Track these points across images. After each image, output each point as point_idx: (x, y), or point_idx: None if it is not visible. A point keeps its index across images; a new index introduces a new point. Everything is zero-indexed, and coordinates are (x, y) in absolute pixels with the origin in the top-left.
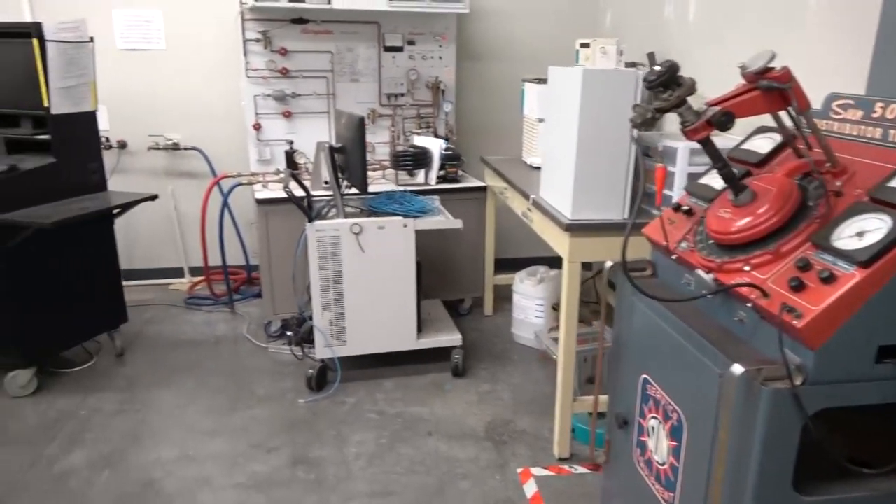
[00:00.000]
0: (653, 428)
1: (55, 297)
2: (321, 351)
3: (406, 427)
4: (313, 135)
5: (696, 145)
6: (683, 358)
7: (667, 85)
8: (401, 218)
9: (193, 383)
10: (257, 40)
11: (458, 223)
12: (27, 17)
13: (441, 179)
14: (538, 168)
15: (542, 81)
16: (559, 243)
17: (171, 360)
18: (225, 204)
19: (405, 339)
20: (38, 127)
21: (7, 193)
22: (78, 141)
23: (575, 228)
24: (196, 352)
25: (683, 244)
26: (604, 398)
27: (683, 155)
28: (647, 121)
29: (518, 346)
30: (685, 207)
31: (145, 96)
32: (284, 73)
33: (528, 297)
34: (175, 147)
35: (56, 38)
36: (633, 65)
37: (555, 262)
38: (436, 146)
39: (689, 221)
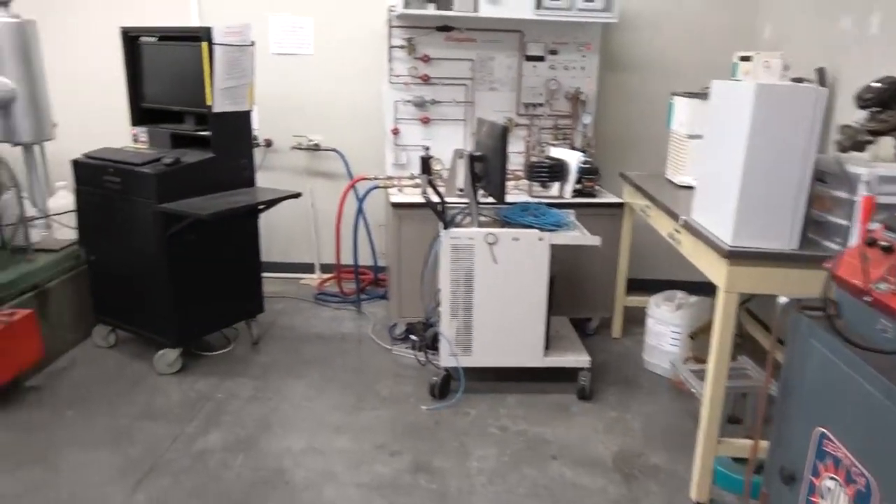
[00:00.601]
0: (829, 489)
1: (204, 283)
2: (445, 359)
3: (529, 446)
4: (449, 141)
5: (888, 171)
6: (884, 418)
7: (886, 104)
8: (536, 231)
9: (321, 377)
10: (402, 47)
11: (595, 240)
12: (195, 23)
13: (577, 193)
14: (686, 187)
15: (695, 95)
16: (714, 271)
17: (302, 352)
18: (360, 205)
19: (532, 355)
20: (199, 124)
21: (170, 184)
22: (233, 138)
23: (735, 256)
24: (324, 347)
25: (882, 285)
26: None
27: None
28: (856, 144)
29: (649, 374)
30: (884, 243)
31: (292, 98)
32: (425, 79)
33: (664, 322)
34: (316, 148)
35: (222, 41)
36: (798, 80)
37: (693, 287)
38: (573, 159)
39: (887, 259)
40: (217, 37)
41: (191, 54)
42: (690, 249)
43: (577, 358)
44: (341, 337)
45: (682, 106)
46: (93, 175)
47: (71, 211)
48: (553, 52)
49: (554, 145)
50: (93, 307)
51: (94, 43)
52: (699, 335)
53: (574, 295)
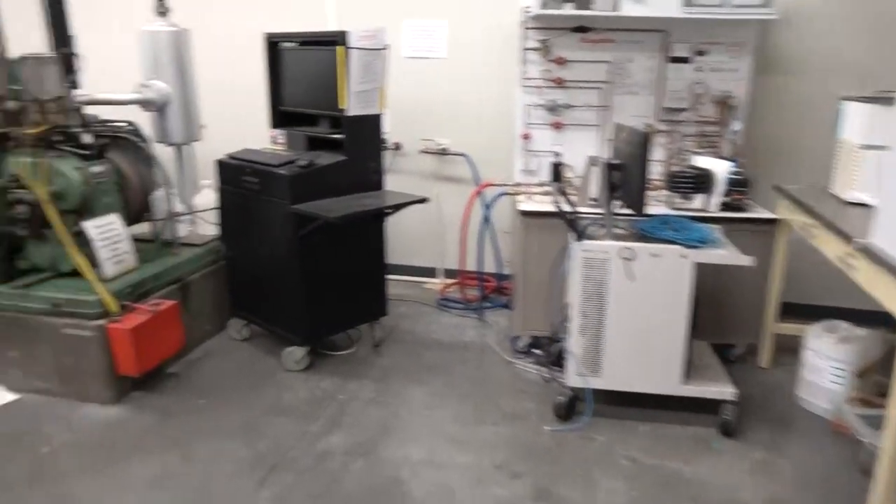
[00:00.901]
0: None
1: (332, 284)
2: (572, 378)
3: (663, 484)
4: (581, 148)
5: None
6: None
7: None
8: (679, 247)
9: (441, 385)
10: (535, 49)
11: (748, 260)
12: (333, 28)
13: (724, 207)
14: (859, 205)
15: (874, 100)
16: None
17: (423, 358)
18: (487, 213)
19: (669, 382)
20: (333, 127)
21: (303, 186)
22: (365, 141)
23: None
24: (445, 354)
25: None
26: None
27: None
28: None
29: (804, 412)
30: None
31: (422, 102)
32: (559, 83)
33: (825, 356)
34: (443, 152)
35: (358, 45)
36: None
37: (859, 316)
38: (721, 169)
39: None
40: (352, 41)
41: (327, 58)
42: (868, 277)
43: (720, 389)
44: (463, 345)
45: (855, 112)
46: (233, 175)
47: (213, 208)
48: (700, 53)
49: (698, 153)
50: (229, 301)
51: (241, 49)
52: (868, 374)
53: (716, 317)
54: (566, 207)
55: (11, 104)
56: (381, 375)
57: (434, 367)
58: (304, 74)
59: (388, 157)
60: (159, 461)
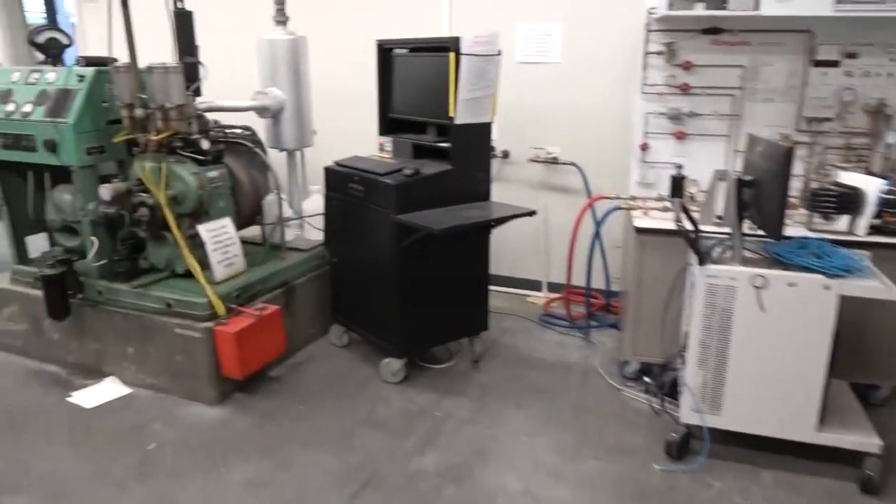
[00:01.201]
0: None
1: (433, 296)
2: (687, 414)
3: None
4: (706, 160)
5: None
6: None
7: None
8: (821, 276)
9: (542, 410)
10: (659, 53)
11: None
12: (446, 33)
13: (874, 230)
14: None
15: None
16: None
17: (523, 378)
18: (598, 228)
19: (800, 427)
20: (441, 135)
21: (408, 196)
22: (472, 151)
23: None
24: (547, 375)
25: None
26: None
27: None
28: None
29: None
30: None
31: (533, 108)
32: (684, 89)
33: None
34: (554, 161)
35: (470, 51)
36: None
37: None
38: (871, 186)
39: None
40: (465, 47)
41: (437, 65)
42: None
43: (862, 439)
44: (566, 366)
45: None
46: (340, 182)
47: (320, 214)
48: (851, 56)
49: (843, 169)
50: (331, 307)
51: (353, 55)
52: None
53: (857, 352)
54: (688, 226)
55: (139, 112)
56: (480, 394)
57: (535, 388)
58: (413, 81)
59: (495, 166)
60: (255, 466)
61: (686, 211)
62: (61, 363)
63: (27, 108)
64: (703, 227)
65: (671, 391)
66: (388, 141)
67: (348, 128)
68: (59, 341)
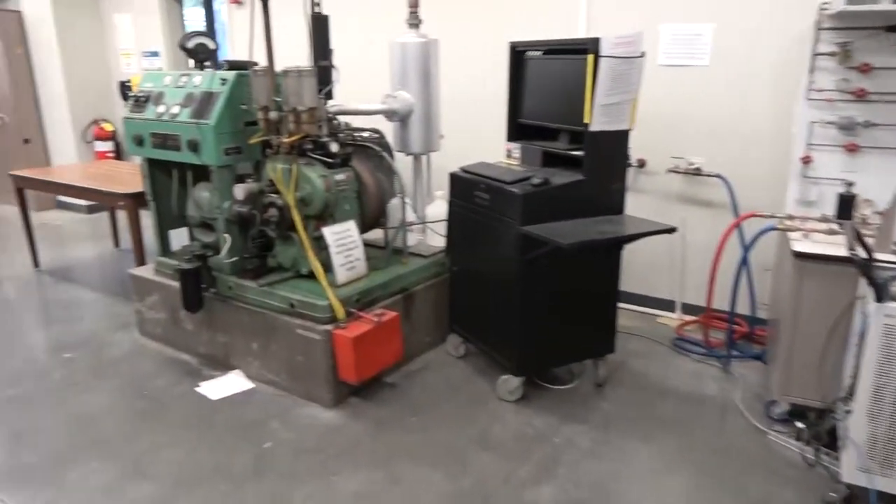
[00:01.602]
0: None
1: (557, 313)
2: (851, 472)
3: None
4: (883, 178)
5: None
6: None
7: None
8: None
9: (674, 447)
10: (832, 54)
11: None
12: (582, 33)
13: None
14: None
15: None
16: None
17: (652, 409)
18: (747, 247)
19: None
20: (573, 142)
21: (536, 206)
22: (608, 160)
23: None
24: (680, 408)
25: None
26: None
27: None
28: None
29: None
30: None
31: (675, 114)
32: (860, 95)
33: None
34: (696, 172)
35: (610, 53)
36: None
37: None
38: None
39: None
40: (605, 48)
41: (573, 68)
42: None
43: None
44: (701, 399)
45: None
46: (465, 189)
47: (443, 220)
48: None
49: None
50: (449, 316)
51: (482, 58)
52: None
53: None
54: (861, 253)
55: (273, 114)
56: (603, 422)
57: (665, 421)
58: (546, 85)
59: (630, 175)
60: (366, 477)
61: (859, 235)
62: (193, 353)
63: (175, 109)
64: (879, 256)
65: (829, 441)
66: (516, 147)
67: (474, 132)
68: (192, 332)
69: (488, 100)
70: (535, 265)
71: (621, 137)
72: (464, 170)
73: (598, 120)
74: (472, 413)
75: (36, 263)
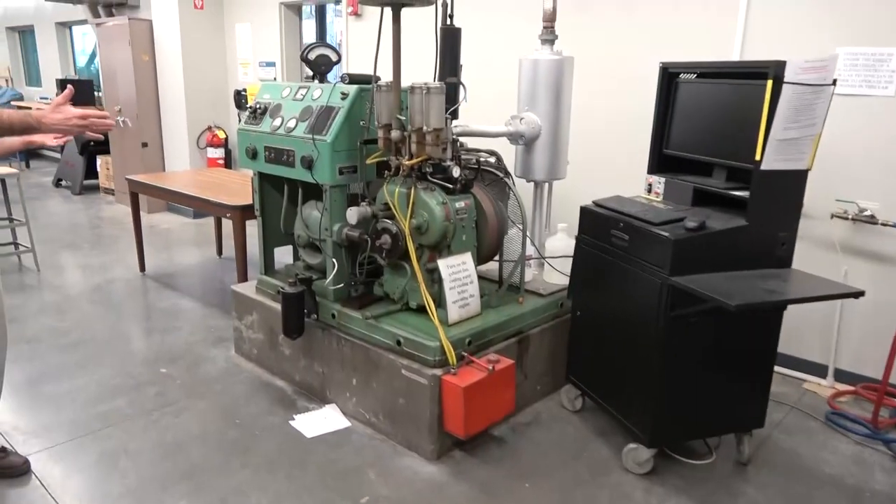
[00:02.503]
0: None
1: (702, 377)
2: None
3: None
4: None
5: None
6: None
7: None
8: None
9: None
10: None
11: None
12: (736, 56)
13: None
14: None
15: None
16: None
17: (808, 501)
18: None
19: None
20: (732, 180)
21: (689, 254)
22: (778, 204)
23: None
24: (834, 501)
25: None
26: None
27: None
28: None
29: None
30: None
31: (844, 151)
32: None
33: None
34: (868, 220)
35: (796, 79)
36: None
37: None
38: None
39: None
40: (790, 73)
41: (740, 94)
42: None
43: None
44: (868, 494)
45: None
46: (598, 225)
47: (567, 256)
48: None
49: None
50: (567, 364)
51: (621, 78)
52: None
53: None
54: None
55: (395, 134)
56: None
57: None
58: (702, 113)
59: None
60: None
61: None
62: (289, 379)
63: (291, 123)
64: None
65: None
66: (659, 181)
67: (605, 161)
68: (289, 357)
69: (624, 125)
70: (683, 322)
71: (797, 179)
72: (597, 203)
73: (771, 157)
74: (593, 485)
75: (142, 267)
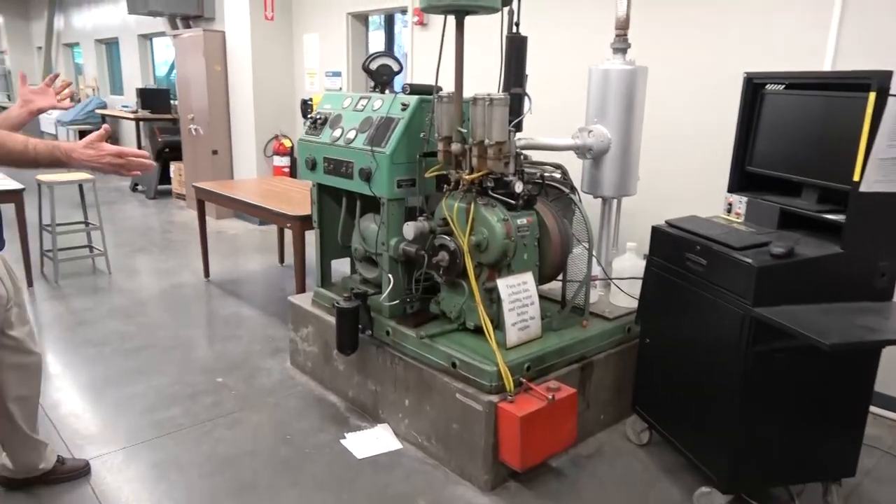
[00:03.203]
0: None
1: (787, 418)
2: None
3: None
4: None
5: None
6: None
7: None
8: None
9: None
10: None
11: None
12: (828, 66)
13: None
14: None
15: None
16: None
17: None
18: None
19: None
20: (824, 202)
21: (776, 283)
22: (879, 230)
23: None
24: None
25: None
26: None
27: None
28: None
29: None
30: None
31: None
32: None
33: None
34: None
35: None
36: None
37: None
38: None
39: None
40: None
41: (833, 107)
42: None
43: None
44: None
45: None
46: (671, 247)
47: (635, 278)
48: None
49: None
50: (633, 394)
51: (703, 89)
52: None
53: None
54: None
55: (455, 147)
56: None
57: None
58: (791, 127)
59: None
60: None
61: None
62: (342, 395)
63: (351, 134)
64: None
65: None
66: (741, 201)
67: (679, 177)
68: (343, 373)
69: (701, 139)
70: (766, 358)
71: None
72: (671, 223)
73: (871, 177)
74: None
75: (206, 273)
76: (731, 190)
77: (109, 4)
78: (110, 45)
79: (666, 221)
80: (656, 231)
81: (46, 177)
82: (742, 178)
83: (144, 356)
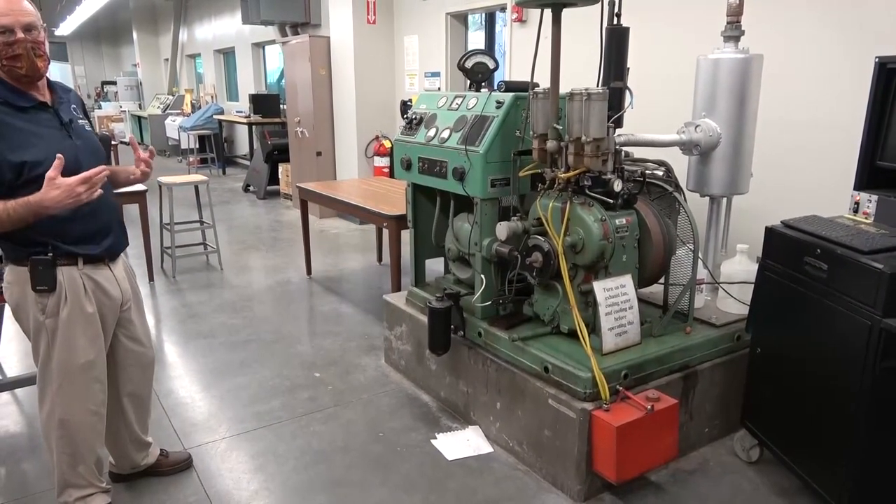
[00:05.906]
0: None
1: None
2: None
3: None
4: None
5: None
6: None
7: None
8: None
9: None
10: None
11: None
12: None
13: None
14: None
15: None
16: None
17: None
18: None
19: None
20: None
21: None
22: None
23: None
24: None
25: None
26: None
27: None
28: None
29: None
30: None
31: None
32: None
33: None
34: None
35: None
36: None
37: None
38: None
39: None
40: None
41: None
42: None
43: None
44: None
45: None
46: (789, 250)
47: (746, 283)
48: None
49: None
50: (742, 407)
51: (824, 78)
52: None
53: None
54: None
55: (551, 144)
56: None
57: None
58: None
59: None
60: None
61: None
62: (434, 395)
63: (445, 133)
64: None
65: None
66: (870, 199)
67: (796, 173)
68: (435, 373)
69: (822, 132)
70: (894, 374)
71: None
72: (788, 225)
73: None
74: None
75: (308, 271)
76: (858, 187)
77: (227, 16)
78: (227, 55)
79: (782, 222)
80: (771, 232)
81: (167, 179)
82: (871, 174)
83: (249, 349)
